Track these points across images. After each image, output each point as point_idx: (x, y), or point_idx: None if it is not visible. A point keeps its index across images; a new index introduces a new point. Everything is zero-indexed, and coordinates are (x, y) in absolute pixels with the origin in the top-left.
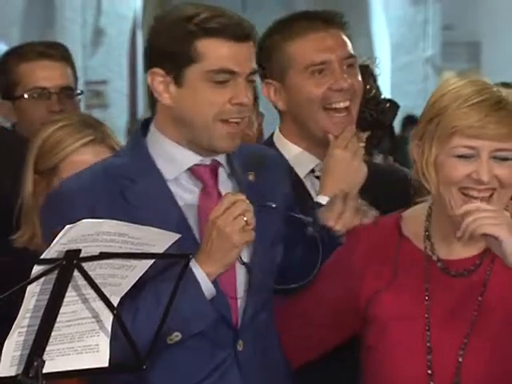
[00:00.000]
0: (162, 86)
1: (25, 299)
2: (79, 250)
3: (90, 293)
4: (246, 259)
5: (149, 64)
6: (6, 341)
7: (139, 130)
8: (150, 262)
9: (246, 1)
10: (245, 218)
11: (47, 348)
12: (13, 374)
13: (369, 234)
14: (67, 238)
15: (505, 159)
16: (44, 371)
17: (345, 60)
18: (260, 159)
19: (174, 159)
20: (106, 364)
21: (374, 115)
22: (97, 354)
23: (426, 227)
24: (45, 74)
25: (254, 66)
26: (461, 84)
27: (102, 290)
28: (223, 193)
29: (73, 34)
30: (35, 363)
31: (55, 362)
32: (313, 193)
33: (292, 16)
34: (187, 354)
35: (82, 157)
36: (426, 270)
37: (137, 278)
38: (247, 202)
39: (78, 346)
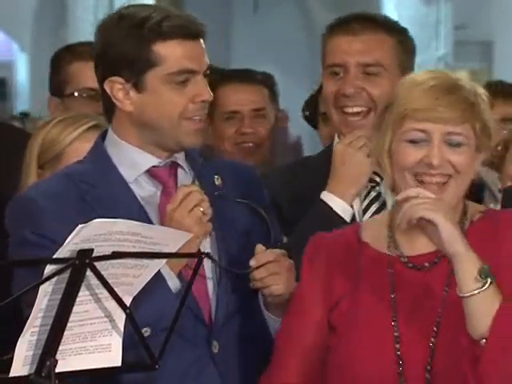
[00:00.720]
0: (121, 94)
1: (37, 299)
2: (92, 250)
3: (102, 292)
4: (213, 252)
5: (104, 72)
6: (19, 340)
7: (100, 136)
8: (163, 261)
9: (257, 2)
10: (201, 209)
11: (60, 347)
12: (25, 373)
13: (328, 248)
14: (80, 238)
15: (458, 145)
16: (56, 371)
17: (364, 66)
18: (230, 168)
19: (133, 162)
20: (118, 363)
21: None
22: (109, 354)
23: (389, 228)
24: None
25: (208, 61)
26: (418, 73)
27: (115, 289)
28: None
29: (85, 33)
30: (48, 363)
31: (68, 361)
32: None
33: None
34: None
35: (85, 143)
36: (389, 269)
37: (149, 278)
38: (201, 192)
39: (91, 346)
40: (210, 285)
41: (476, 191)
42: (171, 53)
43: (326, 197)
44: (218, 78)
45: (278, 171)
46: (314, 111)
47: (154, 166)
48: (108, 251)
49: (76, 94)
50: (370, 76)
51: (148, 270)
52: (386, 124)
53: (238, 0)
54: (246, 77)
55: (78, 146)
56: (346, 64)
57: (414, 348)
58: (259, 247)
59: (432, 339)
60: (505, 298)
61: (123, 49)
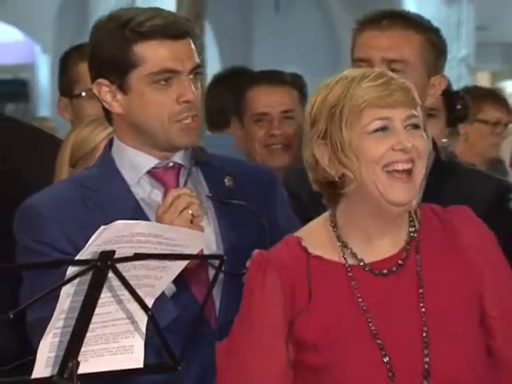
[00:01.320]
0: (109, 96)
1: (59, 300)
2: (113, 251)
3: (124, 294)
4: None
5: (93, 74)
6: (41, 342)
7: (109, 141)
8: (184, 263)
9: (278, 2)
10: (190, 211)
11: (82, 349)
12: (48, 374)
13: (277, 267)
14: (102, 240)
15: (416, 127)
16: (79, 372)
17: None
18: (244, 169)
19: (134, 164)
20: (140, 365)
21: None
22: (131, 355)
23: (338, 236)
24: None
25: (196, 60)
26: (341, 75)
27: (137, 291)
28: None
29: None
30: (70, 364)
31: (90, 363)
32: None
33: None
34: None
35: None
36: (349, 279)
37: (171, 279)
38: (192, 194)
39: (113, 347)
40: (214, 288)
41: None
42: (152, 53)
43: None
44: (248, 80)
45: (299, 168)
46: None
47: (154, 168)
48: (130, 253)
49: (84, 94)
50: (394, 72)
51: (170, 271)
52: (337, 126)
53: (259, 0)
54: (275, 79)
55: None
56: (371, 59)
57: (406, 359)
58: (256, 251)
59: (424, 344)
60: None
61: (106, 50)
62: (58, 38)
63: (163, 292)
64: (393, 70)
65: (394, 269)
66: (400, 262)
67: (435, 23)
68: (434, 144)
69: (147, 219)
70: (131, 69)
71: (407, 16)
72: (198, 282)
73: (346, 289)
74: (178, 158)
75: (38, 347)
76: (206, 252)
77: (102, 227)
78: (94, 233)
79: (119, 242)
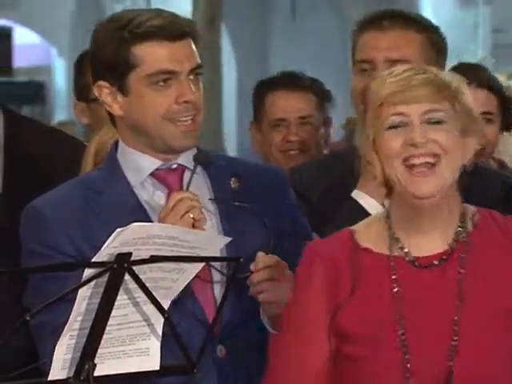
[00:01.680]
0: (109, 98)
1: (76, 302)
2: (130, 254)
3: (140, 296)
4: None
5: (94, 77)
6: (58, 344)
7: (114, 143)
8: (201, 265)
9: (295, 6)
10: (191, 215)
11: (98, 351)
12: (64, 377)
13: (324, 258)
14: (118, 242)
15: (439, 122)
16: (95, 374)
17: (391, 62)
18: (251, 170)
19: (137, 166)
20: (156, 367)
21: None
22: (147, 358)
23: (390, 230)
24: None
25: (197, 61)
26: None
27: (153, 293)
28: None
29: None
30: (86, 366)
31: (106, 365)
32: None
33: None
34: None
35: None
36: (391, 271)
37: (188, 281)
38: (194, 198)
39: (129, 349)
40: (217, 289)
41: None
42: (149, 54)
43: (357, 195)
44: (268, 84)
45: (308, 166)
46: None
47: (157, 169)
48: (146, 255)
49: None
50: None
51: (186, 273)
52: (367, 119)
53: (276, 7)
54: (293, 83)
55: None
56: (374, 60)
57: (427, 364)
58: (259, 253)
59: (453, 342)
60: None
61: (106, 52)
62: (73, 41)
63: None
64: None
65: (437, 262)
66: (444, 257)
67: (452, 26)
68: None
69: (150, 222)
70: (130, 70)
71: (407, 16)
72: (201, 285)
73: (386, 281)
74: (182, 159)
75: (41, 351)
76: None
77: (119, 229)
78: (97, 235)
79: (136, 244)
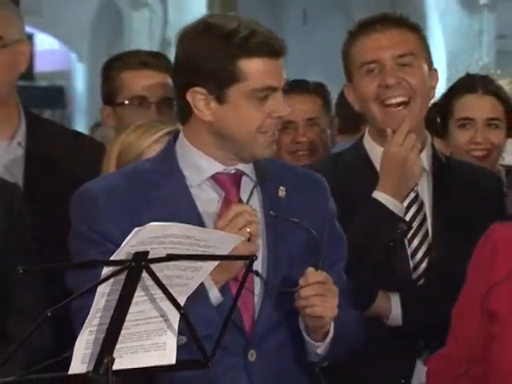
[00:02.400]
0: (202, 104)
1: (95, 299)
2: (147, 252)
3: (157, 293)
4: (263, 270)
5: (186, 81)
6: (78, 339)
7: (172, 137)
8: (216, 263)
9: (306, 14)
10: (248, 230)
11: (116, 346)
12: (84, 370)
13: (497, 236)
14: (136, 241)
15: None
16: (114, 368)
17: (398, 58)
18: (296, 177)
19: (198, 167)
20: (172, 361)
21: None
22: (164, 352)
23: None
24: (145, 84)
25: (285, 76)
26: None
27: (170, 290)
28: (242, 198)
29: (140, 44)
30: (105, 360)
31: (124, 359)
32: None
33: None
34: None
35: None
36: None
37: (203, 279)
38: (253, 213)
39: (146, 344)
40: (256, 299)
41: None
42: (256, 69)
43: (378, 195)
44: None
45: (312, 168)
46: None
47: (218, 173)
48: (163, 254)
49: (127, 102)
50: (405, 67)
51: (201, 271)
52: None
53: (288, 12)
54: (299, 88)
55: (155, 149)
56: (381, 59)
57: None
58: (310, 268)
59: None
60: None
61: (209, 61)
62: (93, 47)
63: (210, 302)
64: (403, 65)
65: None
66: None
67: (457, 32)
68: (432, 144)
69: (201, 222)
70: (233, 83)
71: (395, 17)
72: (244, 294)
73: None
74: (241, 165)
75: (77, 334)
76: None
77: (136, 229)
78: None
79: (152, 243)
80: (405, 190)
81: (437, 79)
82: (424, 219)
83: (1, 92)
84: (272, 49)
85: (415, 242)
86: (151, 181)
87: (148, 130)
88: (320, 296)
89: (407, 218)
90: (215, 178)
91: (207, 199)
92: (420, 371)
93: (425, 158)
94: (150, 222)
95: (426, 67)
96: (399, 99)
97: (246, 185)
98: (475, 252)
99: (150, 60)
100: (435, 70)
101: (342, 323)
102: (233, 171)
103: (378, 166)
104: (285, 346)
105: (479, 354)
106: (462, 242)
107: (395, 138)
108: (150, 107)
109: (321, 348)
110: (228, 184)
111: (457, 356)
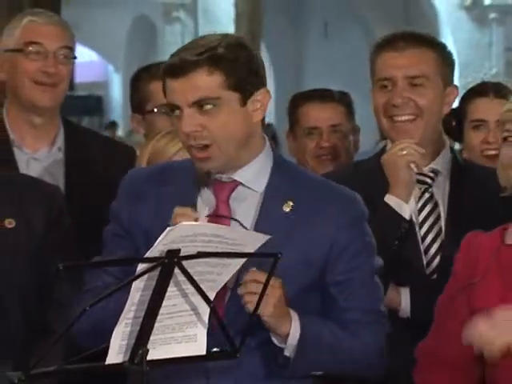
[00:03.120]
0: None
1: (130, 294)
2: (179, 250)
3: (188, 288)
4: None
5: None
6: (114, 331)
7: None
8: (243, 260)
9: (327, 26)
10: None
11: (150, 338)
12: (120, 361)
13: (476, 247)
14: (168, 239)
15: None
16: (148, 358)
17: (410, 78)
18: (316, 193)
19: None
20: (203, 352)
21: None
22: (195, 344)
23: None
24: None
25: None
26: None
27: (200, 285)
28: (233, 208)
29: None
30: (140, 351)
31: (157, 350)
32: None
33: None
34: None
35: None
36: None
37: (231, 275)
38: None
39: (178, 336)
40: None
41: None
42: None
43: (388, 199)
44: (301, 97)
45: (331, 176)
46: None
47: (215, 180)
48: (193, 251)
49: (155, 110)
50: (417, 87)
51: (230, 268)
52: None
53: (310, 26)
54: (324, 96)
55: (184, 154)
56: (394, 78)
57: None
58: (251, 269)
59: None
60: None
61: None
62: (128, 59)
63: None
64: (415, 85)
65: None
66: None
67: (468, 44)
68: (451, 147)
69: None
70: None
71: (418, 35)
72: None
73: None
74: (242, 175)
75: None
76: None
77: (169, 228)
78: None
79: (184, 241)
80: (405, 191)
81: (455, 95)
82: (438, 218)
83: (60, 102)
84: None
85: (428, 239)
86: (169, 177)
87: (176, 137)
88: (252, 294)
89: (421, 216)
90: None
91: (204, 201)
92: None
93: (441, 163)
94: (155, 217)
95: (441, 86)
96: (404, 118)
97: (241, 194)
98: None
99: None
100: (455, 86)
101: (323, 334)
102: (226, 179)
103: None
104: (261, 348)
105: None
106: None
107: (391, 147)
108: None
109: (288, 350)
110: (219, 190)
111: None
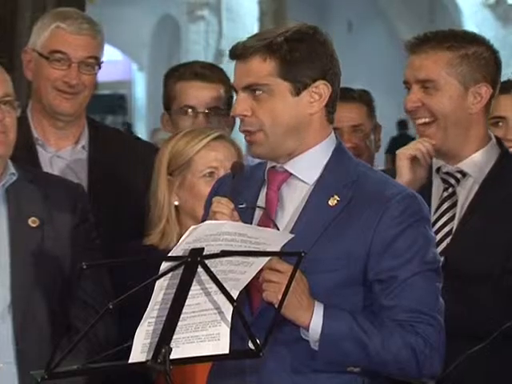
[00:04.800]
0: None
1: (154, 293)
2: (202, 249)
3: (212, 287)
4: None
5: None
6: (137, 329)
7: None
8: (266, 259)
9: (351, 20)
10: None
11: (174, 336)
12: (143, 359)
13: None
14: (192, 238)
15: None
16: (171, 357)
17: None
18: (366, 191)
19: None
20: (226, 351)
21: None
22: (218, 342)
23: None
24: (195, 94)
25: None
26: None
27: (223, 284)
28: (282, 197)
29: (196, 55)
30: (163, 350)
31: (181, 349)
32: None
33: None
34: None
35: (211, 151)
36: None
37: (254, 274)
38: (223, 203)
39: (202, 335)
40: None
41: None
42: None
43: None
44: None
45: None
46: None
47: (271, 167)
48: (217, 250)
49: (178, 110)
50: (429, 90)
51: (253, 266)
52: None
53: (333, 21)
54: (345, 96)
55: (204, 154)
56: (409, 81)
57: None
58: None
59: None
60: None
61: None
62: (152, 58)
63: None
64: (426, 88)
65: None
66: None
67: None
68: (500, 142)
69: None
70: None
71: (443, 35)
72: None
73: None
74: (291, 165)
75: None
76: None
77: (192, 227)
78: None
79: (207, 240)
80: (413, 188)
81: (483, 95)
82: (453, 217)
83: (83, 108)
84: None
85: (438, 237)
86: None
87: (196, 137)
88: (268, 282)
89: (437, 214)
90: (268, 171)
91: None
92: None
93: (471, 165)
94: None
95: (458, 87)
96: (421, 121)
97: (294, 184)
98: None
99: (202, 71)
100: (484, 85)
101: (352, 329)
102: (280, 169)
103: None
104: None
105: None
106: (476, 253)
107: (405, 147)
108: (198, 116)
109: (312, 343)
110: (272, 178)
111: None
